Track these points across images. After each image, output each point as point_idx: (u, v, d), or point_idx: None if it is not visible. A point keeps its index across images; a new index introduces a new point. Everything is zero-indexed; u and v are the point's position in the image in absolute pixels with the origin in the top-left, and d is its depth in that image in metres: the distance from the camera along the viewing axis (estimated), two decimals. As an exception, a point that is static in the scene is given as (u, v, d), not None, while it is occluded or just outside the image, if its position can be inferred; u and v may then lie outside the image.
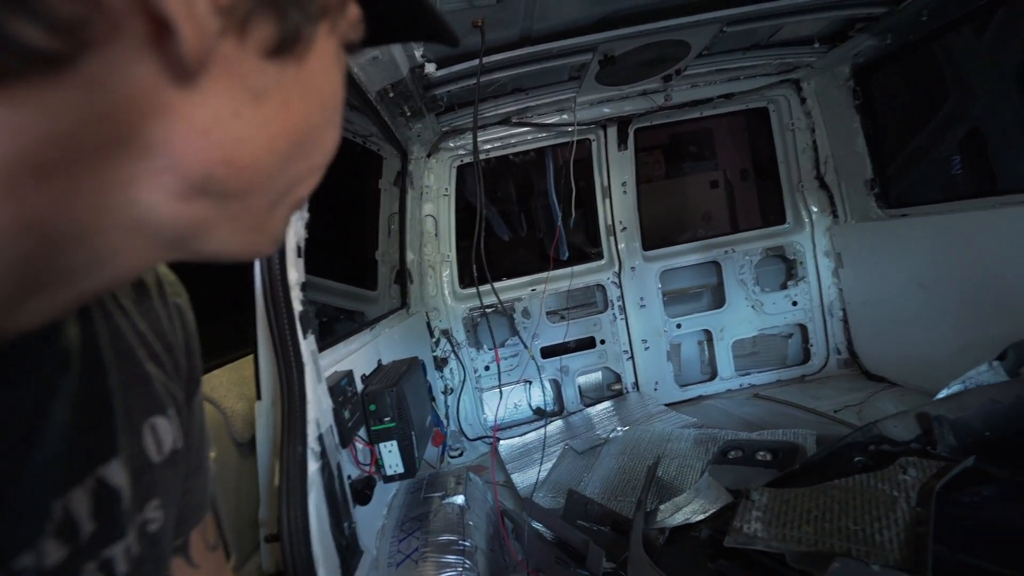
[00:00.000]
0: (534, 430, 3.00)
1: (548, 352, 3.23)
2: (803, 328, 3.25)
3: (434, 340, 3.11)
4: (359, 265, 2.91)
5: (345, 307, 2.82)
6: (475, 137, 2.09)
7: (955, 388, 1.99)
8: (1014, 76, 2.57)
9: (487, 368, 3.21)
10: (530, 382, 3.27)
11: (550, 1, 1.90)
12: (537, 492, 2.28)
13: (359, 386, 1.62)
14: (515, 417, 3.27)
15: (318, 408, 1.10)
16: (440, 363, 3.10)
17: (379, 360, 1.94)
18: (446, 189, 3.03)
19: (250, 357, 1.26)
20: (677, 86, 2.89)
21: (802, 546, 1.24)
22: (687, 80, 2.85)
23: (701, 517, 1.65)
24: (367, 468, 1.55)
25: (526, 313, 3.19)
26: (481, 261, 2.38)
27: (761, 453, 1.98)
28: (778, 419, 2.54)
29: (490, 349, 3.21)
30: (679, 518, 1.71)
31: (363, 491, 1.40)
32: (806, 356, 3.25)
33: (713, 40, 2.39)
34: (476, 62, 2.03)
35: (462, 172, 3.13)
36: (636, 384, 3.24)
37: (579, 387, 3.29)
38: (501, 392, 3.00)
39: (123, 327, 0.39)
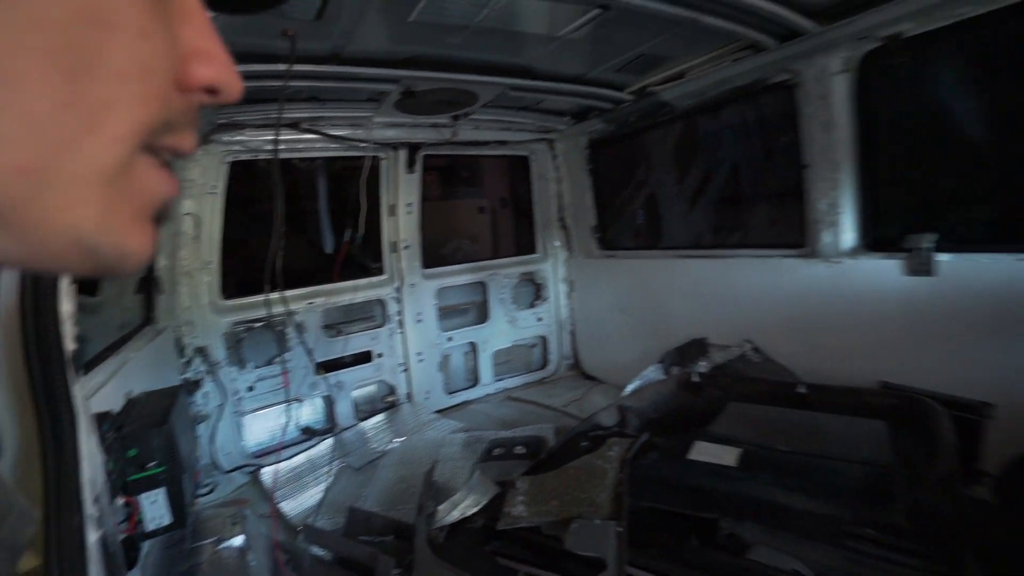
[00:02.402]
0: (303, 451, 2.90)
1: (322, 367, 3.14)
2: (544, 339, 4.01)
3: (185, 360, 2.68)
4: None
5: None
6: (277, 135, 1.99)
7: (636, 384, 2.83)
8: (671, 166, 3.77)
9: (250, 389, 2.92)
10: (300, 400, 3.12)
11: (367, 31, 1.97)
12: (315, 516, 2.25)
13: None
14: (281, 440, 3.06)
15: (92, 465, 0.92)
16: (192, 386, 2.68)
17: (127, 393, 1.64)
18: (214, 186, 2.67)
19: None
20: (463, 125, 3.24)
21: (551, 517, 1.64)
22: (472, 122, 3.23)
23: (475, 510, 1.96)
24: (124, 527, 1.32)
25: (301, 327, 3.04)
26: (274, 269, 2.20)
27: (518, 448, 2.43)
28: (527, 416, 3.11)
29: (255, 367, 2.94)
30: (456, 514, 1.98)
31: (129, 555, 1.20)
32: (545, 362, 4.03)
33: (496, 96, 2.81)
34: (277, 66, 1.95)
35: (235, 170, 2.81)
36: (409, 395, 3.44)
37: (354, 401, 3.30)
38: (269, 413, 2.80)
39: None
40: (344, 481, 2.53)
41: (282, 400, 2.91)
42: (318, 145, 3.01)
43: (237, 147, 2.75)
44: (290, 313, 2.90)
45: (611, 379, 3.66)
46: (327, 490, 2.44)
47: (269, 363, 2.96)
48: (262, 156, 2.92)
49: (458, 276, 3.67)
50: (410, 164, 3.34)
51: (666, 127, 3.48)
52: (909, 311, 2.11)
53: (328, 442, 2.97)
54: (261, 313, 2.85)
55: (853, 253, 2.31)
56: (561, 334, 4.02)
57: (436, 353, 3.52)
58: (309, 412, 3.15)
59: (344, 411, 3.19)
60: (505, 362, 3.91)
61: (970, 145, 2.19)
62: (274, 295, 2.93)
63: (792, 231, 2.56)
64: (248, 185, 3.43)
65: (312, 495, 2.50)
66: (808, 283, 2.45)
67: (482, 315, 3.78)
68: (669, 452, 1.95)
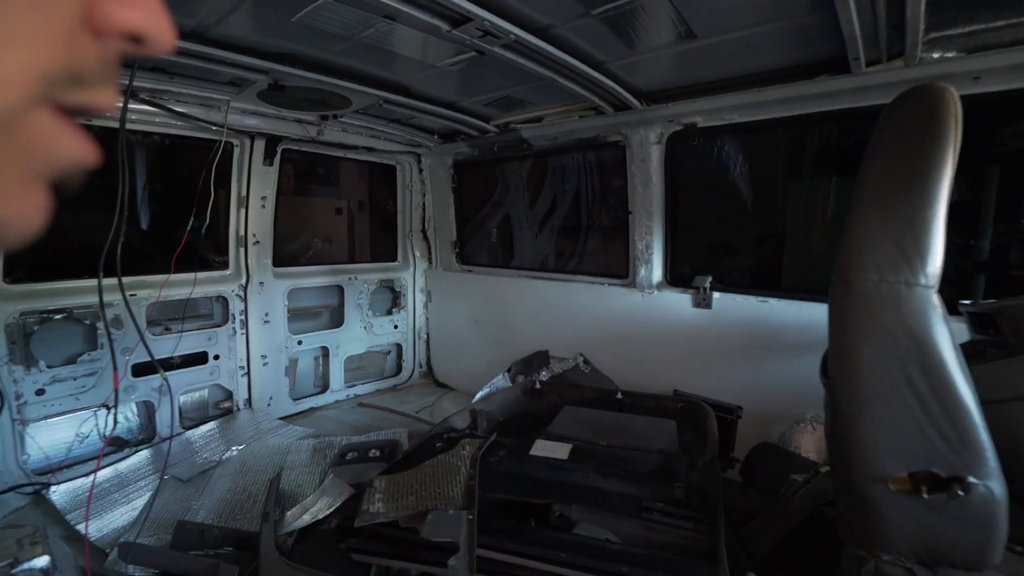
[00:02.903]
0: (110, 465, 2.52)
1: (143, 369, 2.76)
2: (399, 347, 4.07)
3: (-55, 356, 2.15)
4: None
5: None
6: (125, 102, 1.77)
7: (485, 391, 3.10)
8: (526, 195, 4.20)
9: (40, 393, 2.44)
10: (109, 407, 2.69)
11: (242, 19, 1.89)
12: (131, 534, 2.00)
13: None
14: (80, 452, 2.60)
15: None
16: (-47, 388, 2.15)
17: None
18: None
19: None
20: (330, 126, 3.19)
21: (409, 511, 1.76)
22: (340, 124, 3.20)
23: (328, 512, 1.97)
24: None
25: (117, 322, 2.64)
26: (115, 252, 1.89)
27: (372, 451, 2.48)
28: (380, 422, 3.14)
29: (48, 367, 2.47)
30: (307, 519, 1.97)
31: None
32: (399, 369, 4.08)
33: (369, 105, 2.85)
34: None
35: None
36: (249, 401, 3.20)
37: (180, 407, 2.95)
38: (65, 421, 2.37)
39: None
40: (169, 495, 2.28)
41: (84, 406, 2.50)
42: (157, 120, 2.69)
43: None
44: (105, 305, 2.51)
45: (462, 386, 3.88)
46: (147, 505, 2.17)
47: (69, 362, 2.51)
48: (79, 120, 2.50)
49: (313, 278, 3.55)
50: (268, 156, 3.16)
51: (523, 160, 3.89)
52: (694, 335, 2.74)
53: (144, 454, 2.62)
54: (65, 302, 2.43)
55: (660, 287, 2.90)
56: (416, 342, 4.13)
57: (283, 357, 3.34)
58: (120, 420, 2.72)
59: (167, 419, 2.84)
60: (358, 368, 3.87)
61: (734, 212, 2.97)
62: (83, 283, 2.54)
63: (619, 264, 3.10)
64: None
65: (123, 514, 2.20)
66: (628, 309, 3.00)
67: (337, 319, 3.69)
68: (514, 450, 2.21)
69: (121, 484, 2.40)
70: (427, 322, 4.16)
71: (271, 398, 3.29)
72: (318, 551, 1.80)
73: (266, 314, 3.24)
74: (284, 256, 3.46)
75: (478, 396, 2.97)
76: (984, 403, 0.98)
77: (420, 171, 3.99)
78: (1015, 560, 1.05)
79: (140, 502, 2.24)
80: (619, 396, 2.61)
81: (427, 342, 4.18)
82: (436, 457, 2.14)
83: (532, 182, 4.13)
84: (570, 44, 2.08)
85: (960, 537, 0.98)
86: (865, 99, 2.09)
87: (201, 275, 2.92)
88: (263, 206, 3.19)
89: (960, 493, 0.95)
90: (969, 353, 1.20)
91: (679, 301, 2.80)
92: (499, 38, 1.94)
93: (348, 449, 2.52)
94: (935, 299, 0.96)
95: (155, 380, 2.76)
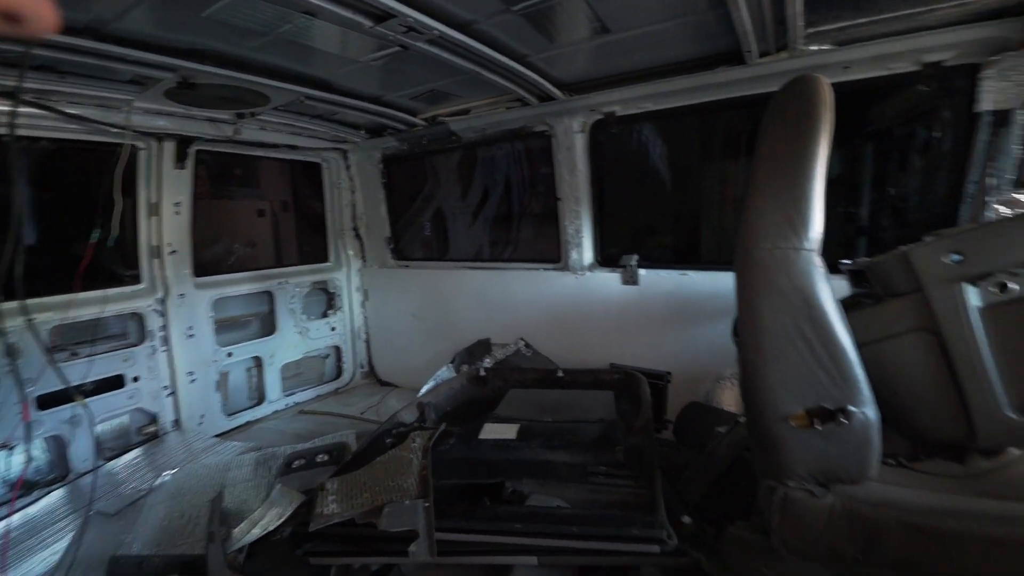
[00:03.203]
0: (19, 510, 2.29)
1: (49, 401, 2.52)
2: (338, 349, 3.98)
3: None
4: None
5: None
6: (16, 107, 1.61)
7: (431, 384, 3.12)
8: (458, 187, 4.22)
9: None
10: (10, 447, 2.43)
11: (143, 15, 1.77)
12: None
13: None
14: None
15: None
16: None
17: None
18: None
19: None
20: (248, 124, 3.03)
21: (365, 507, 1.77)
22: (258, 122, 3.05)
23: (280, 522, 1.93)
24: None
25: (13, 351, 2.39)
26: (11, 272, 1.69)
27: (320, 456, 2.44)
28: (324, 428, 3.07)
29: (-67, 405, 2.20)
30: (257, 532, 1.92)
31: None
32: (339, 372, 3.99)
33: (289, 102, 2.75)
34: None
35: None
36: (178, 421, 3.01)
37: (96, 438, 2.72)
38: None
39: None
40: (96, 531, 2.12)
41: (-16, 447, 2.25)
42: (47, 124, 2.44)
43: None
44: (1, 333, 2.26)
45: (407, 383, 3.86)
46: (71, 546, 2.01)
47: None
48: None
49: (239, 285, 3.37)
50: (180, 159, 2.95)
51: (453, 152, 3.91)
52: (625, 311, 2.92)
53: (58, 493, 2.40)
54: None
55: (591, 268, 3.06)
56: (355, 343, 4.05)
57: (212, 371, 3.16)
58: (23, 460, 2.47)
59: (82, 452, 2.60)
60: (295, 375, 3.74)
61: (655, 194, 3.19)
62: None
63: (551, 249, 3.22)
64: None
65: (42, 560, 2.02)
66: (562, 291, 3.13)
67: (268, 327, 3.54)
68: (464, 436, 2.27)
69: (34, 530, 2.18)
70: (365, 321, 4.10)
71: (202, 416, 3.11)
72: (272, 562, 1.77)
73: (190, 328, 3.05)
74: (205, 265, 3.26)
75: (424, 389, 2.99)
76: (860, 345, 1.17)
77: (347, 167, 3.89)
78: (887, 471, 1.26)
79: (61, 544, 2.06)
80: (560, 375, 2.74)
81: (367, 342, 4.12)
82: (387, 453, 2.16)
83: (463, 173, 4.15)
84: (493, 38, 2.14)
85: (846, 457, 1.16)
86: (759, 87, 2.32)
87: (111, 292, 2.70)
88: (177, 212, 2.99)
89: (844, 421, 1.13)
90: (848, 305, 1.40)
91: (609, 280, 2.97)
92: (423, 33, 1.95)
93: (294, 457, 2.46)
94: (817, 260, 1.13)
95: (64, 412, 2.52)
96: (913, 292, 1.24)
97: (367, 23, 1.83)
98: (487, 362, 3.14)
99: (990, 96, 1.91)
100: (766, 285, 1.16)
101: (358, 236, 4.03)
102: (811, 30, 2.05)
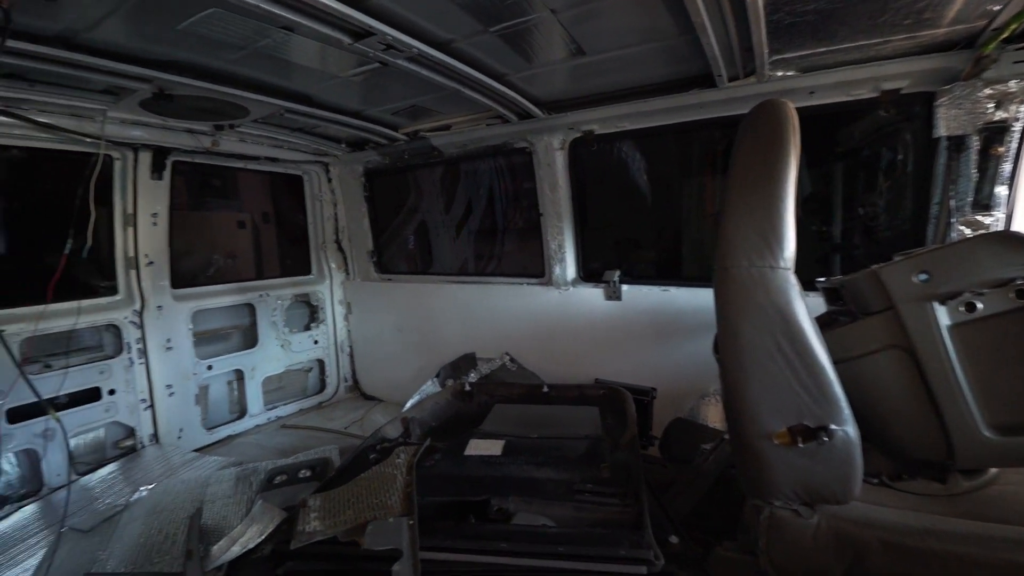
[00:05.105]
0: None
1: (19, 415, 2.44)
2: (321, 363, 3.93)
3: None
4: None
5: None
6: None
7: (416, 398, 3.10)
8: (440, 202, 4.23)
9: None
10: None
11: (116, 26, 1.75)
12: (24, 599, 1.78)
13: None
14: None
15: None
16: None
17: None
18: None
19: None
20: (227, 136, 3.01)
21: (348, 525, 1.74)
22: (237, 134, 3.03)
23: (260, 539, 1.89)
24: None
25: (-19, 364, 2.31)
26: None
27: (303, 471, 2.39)
28: (307, 442, 3.02)
29: None
30: (237, 549, 1.87)
31: None
32: (322, 386, 3.94)
33: (269, 115, 2.74)
34: None
35: None
36: (156, 435, 2.93)
37: (70, 453, 2.64)
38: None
39: None
40: (69, 548, 2.04)
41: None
42: (16, 132, 2.38)
43: None
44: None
45: (391, 397, 3.82)
46: (43, 563, 1.93)
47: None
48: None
49: (219, 297, 3.32)
50: (156, 169, 2.91)
51: (436, 166, 3.92)
52: (609, 326, 2.95)
53: (30, 508, 2.32)
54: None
55: (574, 283, 3.09)
56: (339, 356, 4.00)
57: (192, 385, 3.09)
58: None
59: (55, 466, 2.52)
60: (277, 388, 3.67)
61: (636, 210, 3.24)
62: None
63: (535, 264, 3.25)
64: None
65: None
66: (546, 306, 3.15)
67: (250, 340, 3.48)
68: (449, 452, 2.25)
69: (5, 546, 2.11)
70: (349, 334, 4.05)
71: (181, 430, 3.04)
72: (252, 581, 1.73)
73: (168, 340, 2.99)
74: (183, 276, 3.20)
75: (408, 404, 2.96)
76: (836, 362, 1.20)
77: (329, 180, 3.87)
78: (870, 490, 1.29)
79: (32, 561, 1.98)
80: (545, 390, 2.74)
81: (351, 355, 4.07)
82: (371, 469, 2.13)
83: (446, 188, 4.16)
84: (472, 57, 2.17)
85: (828, 476, 1.19)
86: (731, 109, 2.40)
87: (86, 303, 2.63)
88: (155, 223, 2.94)
89: (825, 439, 1.15)
90: (824, 322, 1.45)
91: (593, 295, 3.00)
92: (402, 51, 1.97)
93: (276, 473, 2.41)
94: (792, 278, 1.16)
95: (36, 425, 2.45)
96: (886, 310, 1.28)
97: (346, 40, 1.84)
98: (472, 376, 3.13)
99: (944, 123, 2.00)
100: (745, 302, 1.19)
101: (341, 249, 4.00)
102: (776, 57, 2.12)
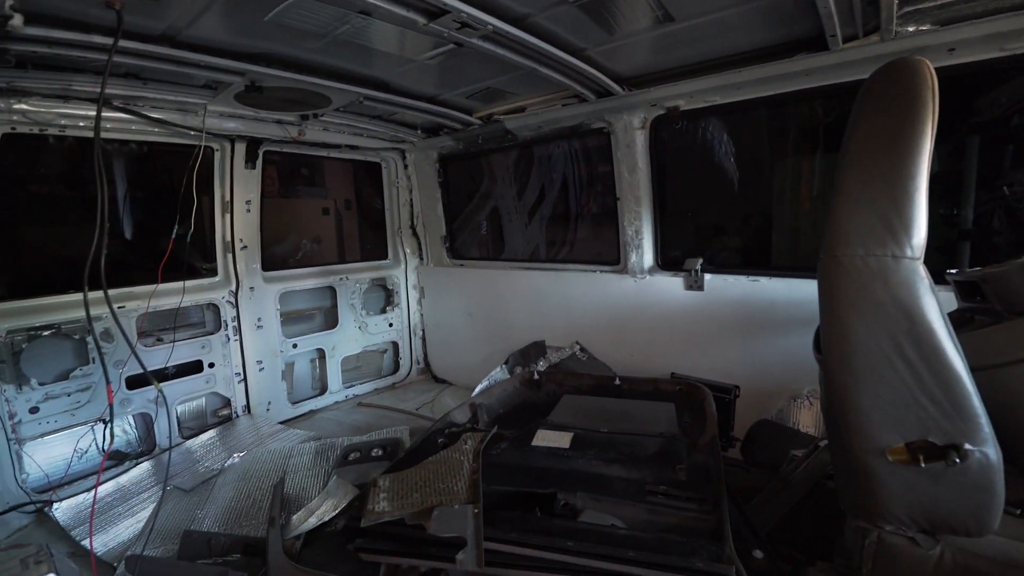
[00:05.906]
0: (111, 479, 2.51)
1: (137, 382, 2.74)
2: (395, 345, 4.06)
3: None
4: None
5: None
6: (99, 112, 1.74)
7: (484, 384, 3.10)
8: (514, 186, 4.18)
9: (34, 411, 2.42)
10: (105, 421, 2.67)
11: (212, 21, 1.86)
12: (137, 547, 1.99)
13: None
14: (80, 468, 2.58)
15: None
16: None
17: None
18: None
19: None
20: (311, 125, 3.14)
21: (415, 508, 1.77)
22: (321, 123, 3.16)
23: (334, 514, 1.97)
24: None
25: (107, 336, 2.61)
26: (99, 265, 1.80)
27: (375, 451, 2.48)
28: (381, 421, 3.14)
29: (40, 385, 2.44)
30: (313, 521, 1.97)
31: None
32: (396, 367, 4.08)
33: (349, 103, 2.82)
34: (89, 36, 1.74)
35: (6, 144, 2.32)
36: (248, 407, 3.18)
37: (178, 418, 2.93)
38: (62, 438, 2.35)
39: None
40: (173, 505, 2.27)
41: (80, 422, 2.48)
42: (133, 127, 2.64)
43: (16, 117, 2.29)
44: (94, 318, 2.47)
45: (460, 381, 3.88)
46: (151, 517, 2.16)
47: (62, 378, 2.48)
48: (51, 132, 2.46)
49: (304, 280, 3.52)
50: (250, 159, 3.11)
51: (509, 151, 3.87)
52: (688, 317, 2.76)
53: (145, 466, 2.61)
54: (53, 318, 2.40)
55: (652, 271, 2.91)
56: (412, 339, 4.12)
57: (279, 361, 3.32)
58: (119, 433, 2.71)
59: (165, 429, 2.82)
60: (355, 368, 3.86)
61: (722, 193, 2.98)
62: (68, 297, 2.51)
63: (610, 250, 3.11)
64: (27, 164, 2.81)
65: (128, 527, 2.20)
66: (621, 295, 3.01)
67: (331, 321, 3.67)
68: (516, 441, 2.22)
69: (124, 497, 2.39)
70: (422, 318, 4.15)
71: (269, 403, 3.28)
72: (326, 553, 1.81)
73: (259, 319, 3.22)
74: (273, 259, 3.43)
75: (477, 390, 2.97)
76: (975, 370, 1.00)
77: (405, 167, 3.96)
78: (1014, 523, 1.07)
79: (144, 514, 2.23)
80: (617, 382, 2.62)
81: (423, 338, 4.18)
82: (438, 453, 2.15)
83: (519, 172, 4.11)
84: (549, 32, 2.07)
85: (959, 504, 1.00)
86: (844, 75, 2.10)
87: (190, 283, 2.89)
88: (248, 210, 3.16)
89: (957, 460, 0.97)
90: (957, 321, 1.22)
91: (671, 284, 2.81)
92: (477, 29, 1.91)
93: (350, 450, 2.52)
94: (922, 270, 0.97)
95: (151, 392, 2.74)
96: (1045, 310, 1.04)
97: (421, 20, 1.81)
98: (541, 365, 3.08)
99: None
100: (858, 297, 1.02)
101: (415, 234, 4.09)
102: (908, 8, 1.81)
